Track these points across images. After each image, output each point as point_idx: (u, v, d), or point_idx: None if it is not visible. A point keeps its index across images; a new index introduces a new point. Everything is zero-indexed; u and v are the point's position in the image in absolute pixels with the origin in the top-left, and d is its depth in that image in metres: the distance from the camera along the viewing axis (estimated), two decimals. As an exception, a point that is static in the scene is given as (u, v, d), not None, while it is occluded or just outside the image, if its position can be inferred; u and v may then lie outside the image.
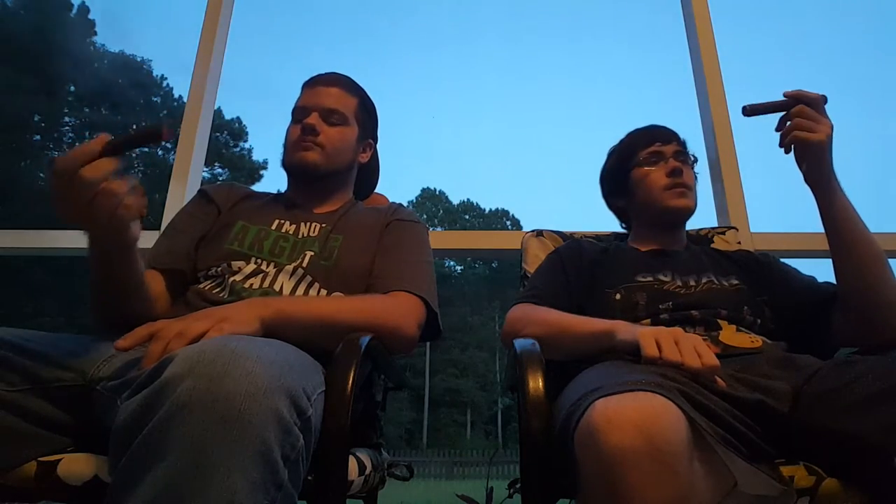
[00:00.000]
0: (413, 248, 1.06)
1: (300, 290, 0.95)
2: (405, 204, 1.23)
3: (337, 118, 1.10)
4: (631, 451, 0.52)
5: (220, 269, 0.98)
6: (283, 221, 1.07)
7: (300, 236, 1.04)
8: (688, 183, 1.11)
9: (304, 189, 1.13)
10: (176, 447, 0.48)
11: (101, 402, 0.67)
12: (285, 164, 1.13)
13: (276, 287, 0.94)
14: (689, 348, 0.71)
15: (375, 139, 1.24)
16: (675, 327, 0.79)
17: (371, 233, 1.07)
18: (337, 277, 0.98)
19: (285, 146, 1.13)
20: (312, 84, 1.15)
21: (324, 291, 0.97)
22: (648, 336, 0.74)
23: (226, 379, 0.51)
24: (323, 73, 1.18)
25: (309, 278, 0.97)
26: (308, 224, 1.07)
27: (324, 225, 1.06)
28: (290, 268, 0.97)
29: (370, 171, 1.27)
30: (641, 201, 1.15)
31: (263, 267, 0.97)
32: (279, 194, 1.18)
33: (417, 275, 0.99)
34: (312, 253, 1.00)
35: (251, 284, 0.94)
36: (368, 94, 1.20)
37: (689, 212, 1.13)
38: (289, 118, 1.15)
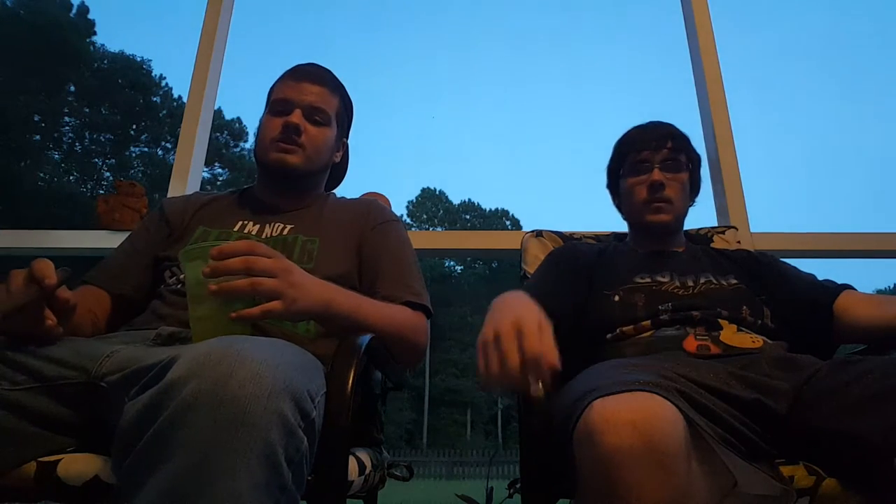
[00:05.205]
0: (407, 252, 1.06)
1: None
2: (405, 204, 1.22)
3: (321, 118, 1.06)
4: (628, 452, 0.52)
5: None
6: (246, 223, 1.03)
7: (264, 237, 1.01)
8: (668, 196, 1.09)
9: (275, 188, 1.09)
10: (181, 448, 0.49)
11: (106, 399, 0.67)
12: (261, 159, 1.07)
13: None
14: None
15: (348, 136, 1.20)
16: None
17: (349, 234, 1.04)
18: None
19: (262, 139, 1.06)
20: (298, 77, 1.07)
21: None
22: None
23: (231, 381, 0.51)
24: (307, 64, 1.11)
25: None
26: (273, 225, 1.03)
27: (292, 226, 1.03)
28: None
29: (340, 169, 1.23)
30: (626, 210, 1.18)
31: None
32: (245, 192, 1.14)
33: (418, 282, 1.01)
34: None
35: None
36: (347, 90, 1.16)
37: (666, 226, 1.12)
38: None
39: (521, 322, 0.64)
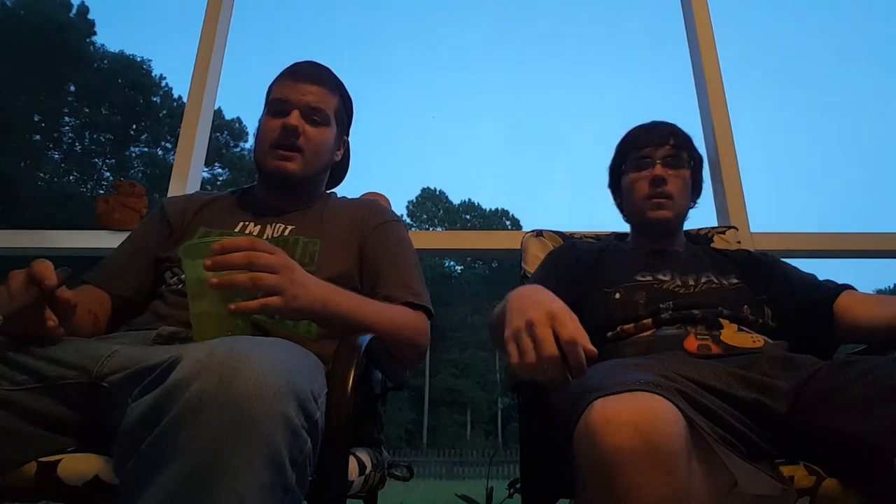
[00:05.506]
0: (408, 253, 1.06)
1: None
2: (405, 204, 1.22)
3: (319, 117, 1.04)
4: (629, 452, 0.52)
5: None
6: (247, 223, 1.04)
7: (265, 237, 1.00)
8: (669, 192, 1.09)
9: (274, 191, 1.08)
10: (185, 450, 0.48)
11: (108, 399, 0.67)
12: (260, 165, 1.05)
13: None
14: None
15: (348, 134, 1.19)
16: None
17: (350, 235, 1.04)
18: None
19: (261, 141, 1.05)
20: (296, 77, 1.06)
21: None
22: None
23: (235, 382, 0.51)
24: (305, 62, 1.10)
25: None
26: (274, 226, 1.03)
27: (293, 227, 1.03)
28: None
29: (341, 168, 1.22)
30: (628, 208, 1.18)
31: None
32: (246, 192, 1.14)
33: (418, 283, 1.01)
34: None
35: None
36: (346, 88, 1.15)
37: (667, 223, 1.12)
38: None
39: (553, 310, 0.65)
